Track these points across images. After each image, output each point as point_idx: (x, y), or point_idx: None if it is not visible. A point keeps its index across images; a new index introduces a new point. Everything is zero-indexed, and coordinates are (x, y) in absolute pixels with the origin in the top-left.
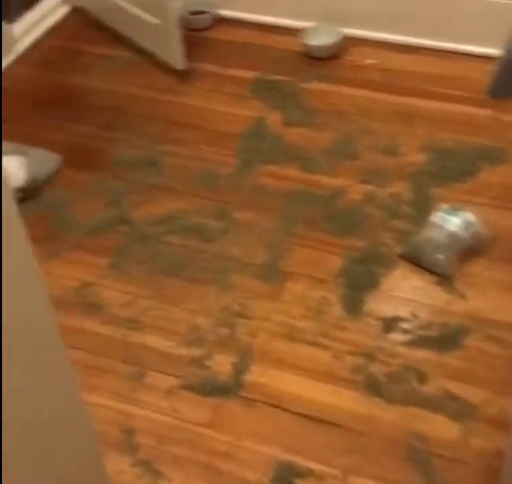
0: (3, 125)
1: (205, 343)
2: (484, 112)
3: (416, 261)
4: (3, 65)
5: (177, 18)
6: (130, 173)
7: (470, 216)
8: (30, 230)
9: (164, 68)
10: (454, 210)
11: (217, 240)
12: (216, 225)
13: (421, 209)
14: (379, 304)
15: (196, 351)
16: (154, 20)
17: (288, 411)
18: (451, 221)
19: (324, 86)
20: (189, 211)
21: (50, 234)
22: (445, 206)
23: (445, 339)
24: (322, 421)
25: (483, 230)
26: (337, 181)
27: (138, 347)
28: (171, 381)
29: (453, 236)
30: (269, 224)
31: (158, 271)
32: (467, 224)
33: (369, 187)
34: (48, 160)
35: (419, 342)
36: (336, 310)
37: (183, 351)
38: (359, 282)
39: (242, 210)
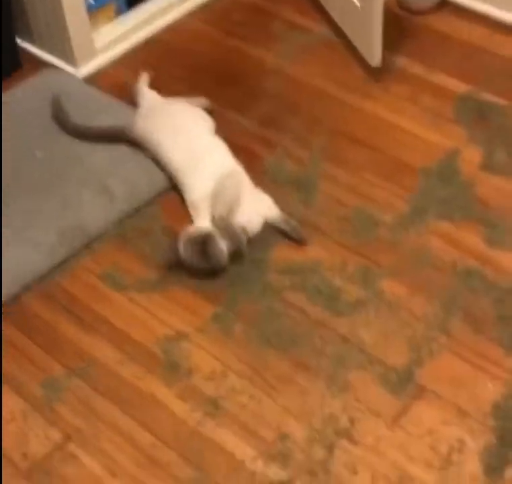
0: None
1: (291, 463)
2: None
3: None
4: (172, 16)
5: (381, 8)
6: (278, 194)
7: None
8: None
9: (360, 57)
10: None
11: (348, 316)
12: (354, 293)
13: None
14: None
15: (275, 473)
16: (357, 2)
17: None
18: None
19: None
20: (327, 265)
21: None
22: None
23: None
24: None
25: None
26: None
27: (207, 445)
28: None
29: None
30: (423, 310)
31: (266, 340)
32: None
33: None
34: None
35: None
36: (472, 465)
37: (260, 466)
38: None
39: (393, 280)
